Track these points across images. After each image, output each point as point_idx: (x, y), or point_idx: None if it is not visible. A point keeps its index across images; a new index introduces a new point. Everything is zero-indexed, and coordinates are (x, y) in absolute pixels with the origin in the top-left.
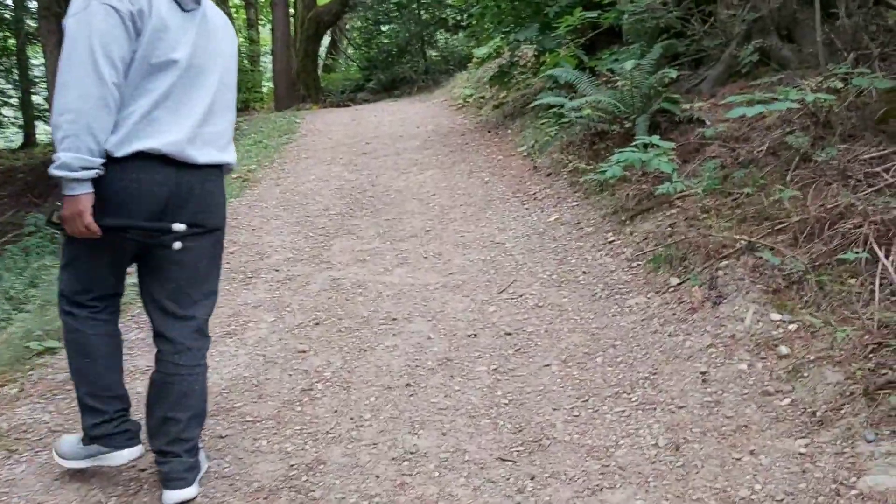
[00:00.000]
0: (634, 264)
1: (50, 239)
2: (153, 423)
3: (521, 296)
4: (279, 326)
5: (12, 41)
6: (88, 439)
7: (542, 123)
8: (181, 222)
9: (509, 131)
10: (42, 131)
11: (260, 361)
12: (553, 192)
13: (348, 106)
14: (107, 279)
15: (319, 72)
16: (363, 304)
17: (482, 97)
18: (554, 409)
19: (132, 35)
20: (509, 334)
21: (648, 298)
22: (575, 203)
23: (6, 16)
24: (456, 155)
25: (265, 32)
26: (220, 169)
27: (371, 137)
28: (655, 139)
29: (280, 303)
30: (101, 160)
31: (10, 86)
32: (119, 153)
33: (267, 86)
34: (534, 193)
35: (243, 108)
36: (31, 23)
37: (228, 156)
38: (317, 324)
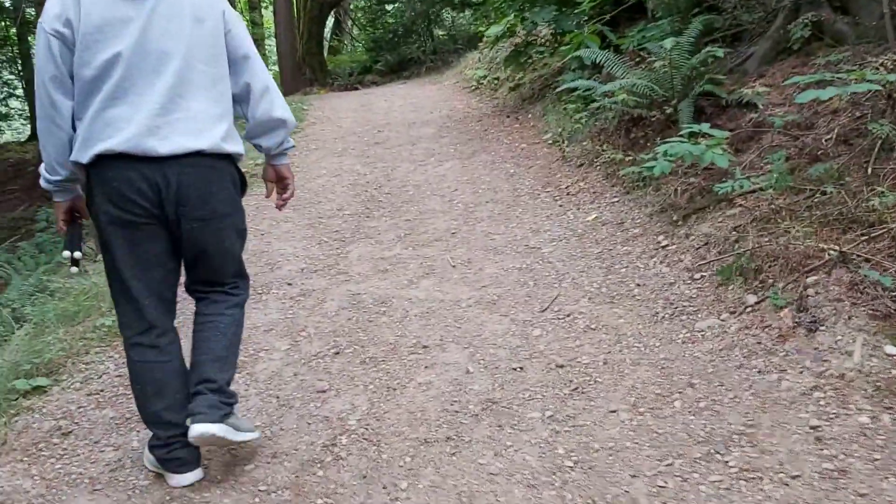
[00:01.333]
0: (697, 276)
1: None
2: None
3: (568, 315)
4: (294, 357)
5: (13, 30)
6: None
7: (567, 108)
8: (179, 215)
9: (530, 116)
10: None
11: (273, 405)
12: (587, 186)
13: (356, 89)
14: (139, 292)
15: (325, 54)
16: (388, 326)
17: (496, 79)
18: (632, 476)
19: (61, 50)
20: (561, 367)
21: (722, 321)
22: (614, 199)
23: (5, 3)
24: (475, 143)
25: (268, 14)
26: (200, 156)
27: (383, 125)
28: (705, 127)
29: (294, 326)
30: (62, 174)
31: (13, 76)
32: (84, 159)
33: (273, 70)
34: (566, 188)
35: None
36: (31, 11)
37: (203, 141)
38: (337, 353)
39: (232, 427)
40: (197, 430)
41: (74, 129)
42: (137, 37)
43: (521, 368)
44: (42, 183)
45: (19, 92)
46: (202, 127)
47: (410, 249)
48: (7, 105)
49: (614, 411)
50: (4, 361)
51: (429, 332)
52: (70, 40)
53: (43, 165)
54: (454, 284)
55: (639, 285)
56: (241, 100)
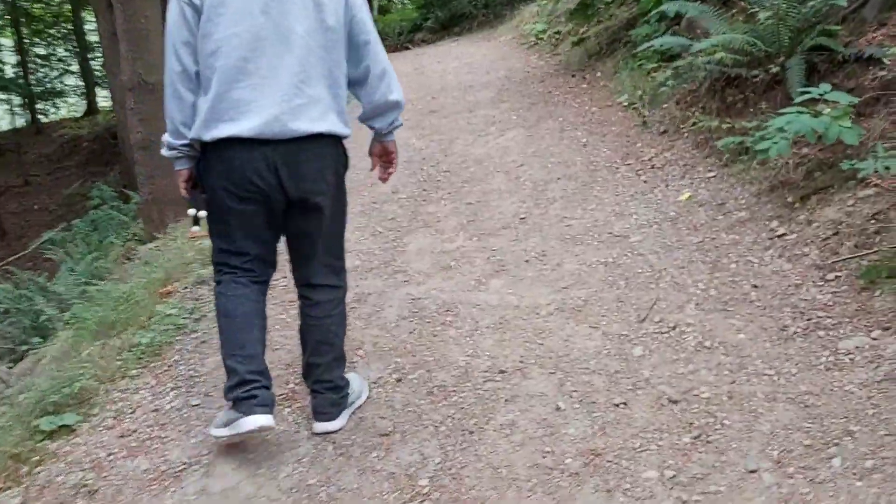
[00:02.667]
0: (830, 276)
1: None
2: (303, 366)
3: (673, 327)
4: None
5: (67, 6)
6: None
7: (643, 65)
8: (293, 195)
9: (599, 75)
10: (102, 98)
11: (328, 454)
12: (675, 158)
13: (408, 48)
14: (246, 245)
15: (375, 13)
16: (456, 342)
17: (557, 33)
18: None
19: (194, 18)
20: (675, 402)
21: (874, 339)
22: (710, 174)
23: None
24: (539, 108)
25: None
26: (317, 139)
27: (437, 90)
28: (826, 90)
29: (349, 341)
30: (180, 142)
31: (68, 53)
32: (207, 137)
33: None
34: (649, 160)
35: None
36: None
37: (323, 125)
38: (399, 380)
39: (348, 410)
40: (320, 428)
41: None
42: (259, 16)
43: (624, 404)
44: (164, 151)
45: (74, 68)
46: (321, 112)
47: (475, 240)
48: (63, 82)
49: (754, 471)
50: (30, 395)
51: (505, 351)
52: (199, 9)
53: (167, 133)
54: (529, 285)
55: (756, 287)
56: (359, 82)
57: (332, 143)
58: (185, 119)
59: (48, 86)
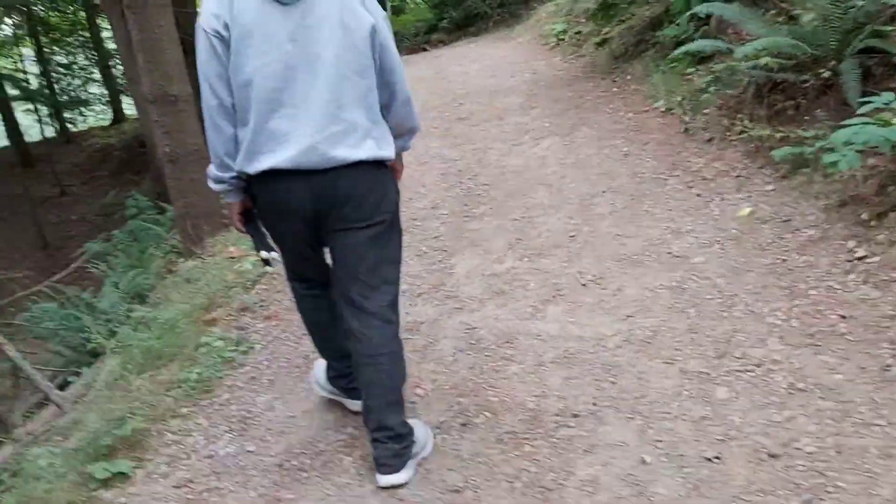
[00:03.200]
0: None
1: (153, 221)
2: (362, 409)
3: (758, 364)
4: None
5: (82, 13)
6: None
7: (673, 67)
8: (332, 224)
9: (629, 78)
10: (128, 105)
11: None
12: (726, 168)
13: (425, 49)
14: (303, 267)
15: (388, 13)
16: (521, 379)
17: (578, 33)
18: None
19: (223, 50)
20: (775, 457)
21: None
22: (768, 186)
23: None
24: (572, 114)
25: None
26: (356, 167)
27: (462, 95)
28: (890, 99)
29: (408, 386)
30: (228, 175)
31: (89, 62)
32: (250, 170)
33: None
34: (698, 170)
35: None
36: None
37: (362, 152)
38: (464, 424)
39: (413, 458)
40: (384, 481)
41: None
42: (287, 44)
43: (717, 458)
44: (212, 185)
45: (96, 76)
46: (360, 139)
47: (526, 261)
48: (87, 91)
49: None
50: (84, 436)
51: (575, 391)
52: (227, 41)
53: (212, 165)
54: (590, 312)
55: (844, 318)
56: (384, 108)
57: (372, 170)
58: (228, 150)
59: (72, 95)
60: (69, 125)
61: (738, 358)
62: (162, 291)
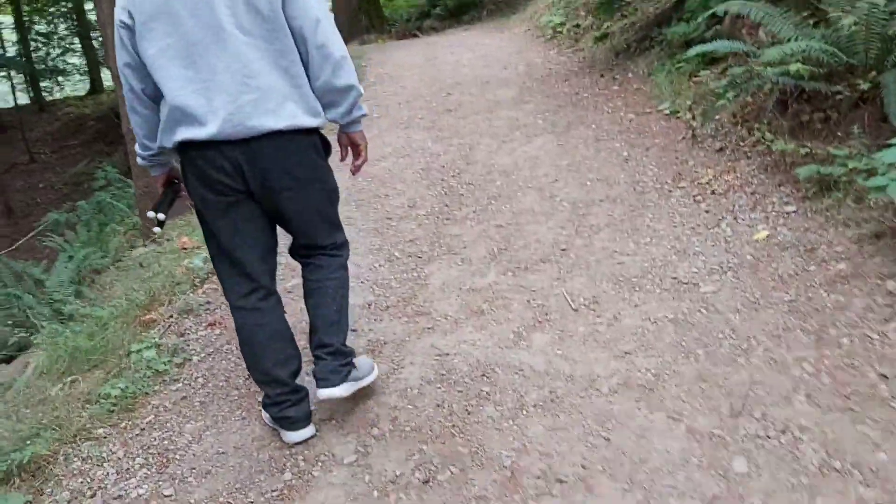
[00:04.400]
0: None
1: (120, 195)
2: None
3: (782, 430)
4: (361, 481)
5: None
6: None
7: (680, 67)
8: (265, 189)
9: (630, 76)
10: (106, 76)
11: None
12: (739, 183)
13: (416, 36)
14: (241, 251)
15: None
16: (496, 426)
17: (576, 26)
18: None
19: (130, 39)
20: None
21: None
22: (788, 207)
23: None
24: (568, 111)
25: None
26: (279, 134)
27: (452, 85)
28: None
29: (361, 415)
30: (148, 153)
31: (69, 32)
32: (168, 144)
33: None
34: (707, 182)
35: None
36: None
37: (282, 120)
38: (426, 482)
39: (353, 380)
40: (323, 394)
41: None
42: (189, 20)
43: None
44: (139, 161)
45: (77, 46)
46: (277, 104)
47: (510, 275)
48: (65, 61)
49: None
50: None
51: (561, 445)
52: (132, 28)
53: (136, 144)
54: (582, 345)
55: (884, 377)
56: (306, 69)
57: (297, 137)
58: (146, 132)
59: (51, 64)
60: (45, 94)
61: (757, 419)
62: (110, 276)
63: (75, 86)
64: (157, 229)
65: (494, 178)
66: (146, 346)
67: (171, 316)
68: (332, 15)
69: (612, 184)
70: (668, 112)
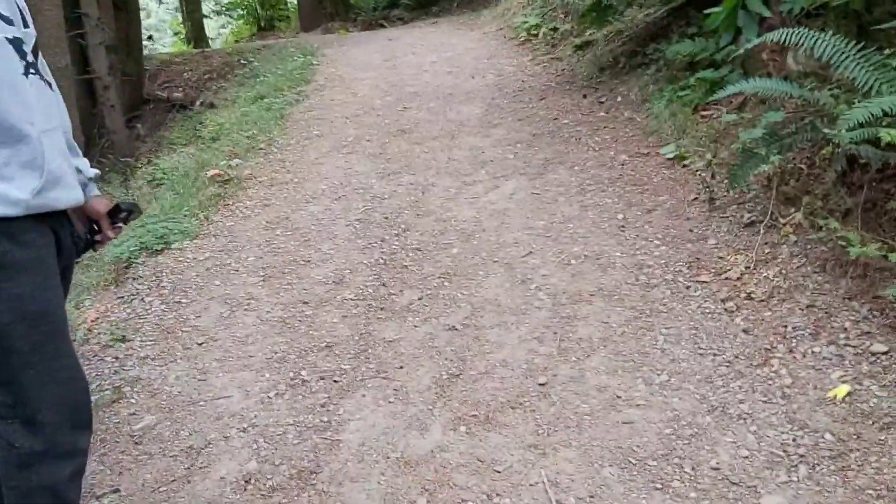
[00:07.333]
0: None
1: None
2: None
3: None
4: None
5: None
6: None
7: (686, 94)
8: None
9: (620, 99)
10: None
11: None
12: (787, 284)
13: (382, 26)
14: None
15: None
16: None
17: (553, 30)
18: None
19: None
20: None
21: None
22: (879, 347)
23: None
24: (544, 143)
25: None
26: None
27: (410, 95)
28: None
29: None
30: None
31: None
32: None
33: (292, 1)
34: (740, 279)
35: (268, 28)
36: None
37: None
38: None
39: None
40: None
41: None
42: None
43: None
44: None
45: None
46: None
47: (463, 432)
48: None
49: None
50: None
51: None
52: None
53: None
54: None
55: None
56: None
57: None
58: None
59: None
60: None
61: None
62: None
63: None
64: None
65: (450, 243)
66: None
67: None
68: None
69: (606, 266)
70: (671, 157)
